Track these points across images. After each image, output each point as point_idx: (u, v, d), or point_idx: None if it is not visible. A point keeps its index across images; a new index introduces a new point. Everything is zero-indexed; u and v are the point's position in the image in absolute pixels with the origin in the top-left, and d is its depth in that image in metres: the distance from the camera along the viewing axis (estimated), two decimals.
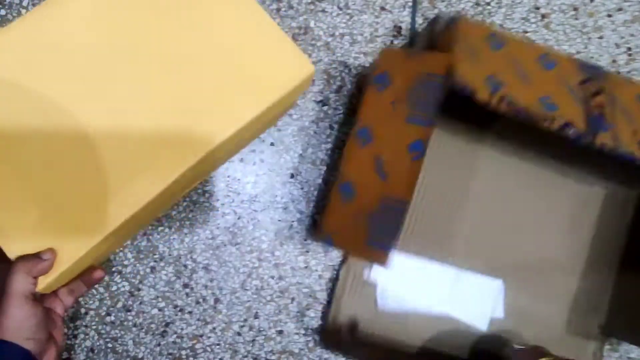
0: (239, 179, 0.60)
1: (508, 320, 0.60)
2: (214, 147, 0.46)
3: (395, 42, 0.62)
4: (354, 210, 0.48)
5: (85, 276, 0.47)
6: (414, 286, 0.59)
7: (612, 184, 0.63)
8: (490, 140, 0.61)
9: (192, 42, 0.47)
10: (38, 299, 0.42)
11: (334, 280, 0.60)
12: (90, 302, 0.57)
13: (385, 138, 0.49)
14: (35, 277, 0.42)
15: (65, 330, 0.57)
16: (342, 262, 0.60)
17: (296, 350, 0.60)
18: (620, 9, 0.64)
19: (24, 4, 0.56)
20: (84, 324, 0.57)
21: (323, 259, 0.60)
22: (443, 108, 0.46)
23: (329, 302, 0.60)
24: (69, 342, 0.57)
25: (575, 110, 0.50)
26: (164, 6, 0.47)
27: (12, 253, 0.43)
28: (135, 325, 0.58)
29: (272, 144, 0.61)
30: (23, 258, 0.43)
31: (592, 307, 0.62)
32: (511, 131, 0.61)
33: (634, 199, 0.63)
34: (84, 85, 0.45)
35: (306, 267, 0.60)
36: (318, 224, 0.60)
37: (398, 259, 0.59)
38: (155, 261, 0.58)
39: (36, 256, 0.43)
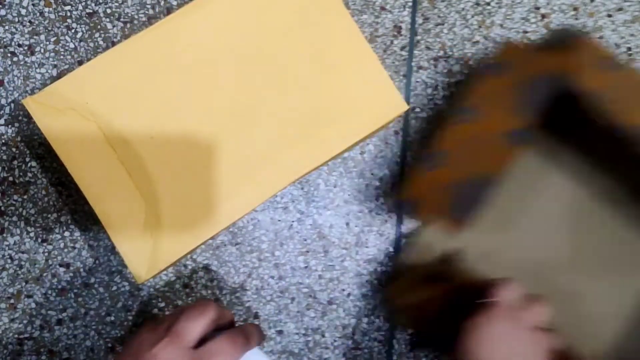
0: None
1: None
2: (302, 174, 0.50)
3: (395, 42, 0.62)
4: (440, 179, 0.49)
5: None
6: None
7: None
8: (565, 165, 0.57)
9: (299, 64, 0.50)
10: None
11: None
12: (90, 302, 0.57)
13: (489, 120, 0.49)
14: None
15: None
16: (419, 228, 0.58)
17: (296, 350, 0.60)
18: (620, 9, 0.64)
19: (24, 4, 0.56)
20: (83, 324, 0.57)
21: (323, 259, 0.60)
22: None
23: (329, 302, 0.60)
24: (68, 342, 0.57)
25: None
26: (274, 28, 0.50)
27: (122, 248, 0.47)
28: (135, 325, 0.58)
29: None
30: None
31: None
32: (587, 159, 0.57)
33: None
34: (193, 94, 0.49)
35: (306, 267, 0.60)
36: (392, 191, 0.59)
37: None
38: None
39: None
